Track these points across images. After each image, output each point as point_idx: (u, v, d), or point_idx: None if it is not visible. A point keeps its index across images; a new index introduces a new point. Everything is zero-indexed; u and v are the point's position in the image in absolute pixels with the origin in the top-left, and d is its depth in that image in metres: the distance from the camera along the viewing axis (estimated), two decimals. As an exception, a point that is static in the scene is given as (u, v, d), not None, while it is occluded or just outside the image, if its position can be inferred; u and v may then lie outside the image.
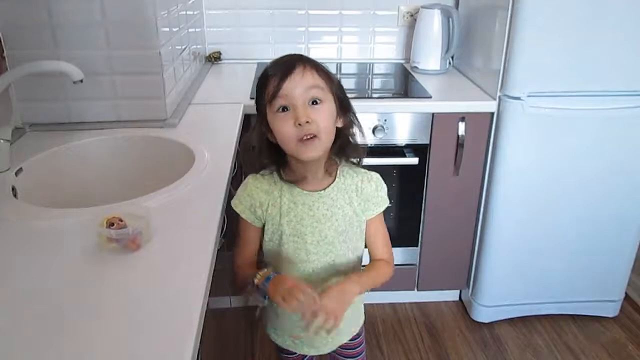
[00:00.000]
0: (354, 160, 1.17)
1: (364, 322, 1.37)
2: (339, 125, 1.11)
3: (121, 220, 0.95)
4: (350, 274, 1.16)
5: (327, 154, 1.12)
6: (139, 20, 1.46)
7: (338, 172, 1.16)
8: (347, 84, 2.28)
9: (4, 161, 1.23)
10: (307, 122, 1.02)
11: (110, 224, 0.94)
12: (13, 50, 1.43)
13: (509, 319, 2.20)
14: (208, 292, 0.87)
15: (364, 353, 1.42)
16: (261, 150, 1.12)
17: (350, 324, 1.30)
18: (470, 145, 1.94)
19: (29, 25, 1.42)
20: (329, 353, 1.35)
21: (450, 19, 2.15)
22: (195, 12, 2.11)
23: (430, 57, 2.20)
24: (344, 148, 1.14)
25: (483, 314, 2.18)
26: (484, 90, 1.98)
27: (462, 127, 1.91)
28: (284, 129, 1.04)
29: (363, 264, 1.27)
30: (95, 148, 1.45)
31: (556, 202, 1.96)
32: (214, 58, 2.34)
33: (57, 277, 0.88)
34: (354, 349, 1.38)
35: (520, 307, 2.18)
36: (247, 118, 1.82)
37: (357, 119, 1.15)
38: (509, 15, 1.76)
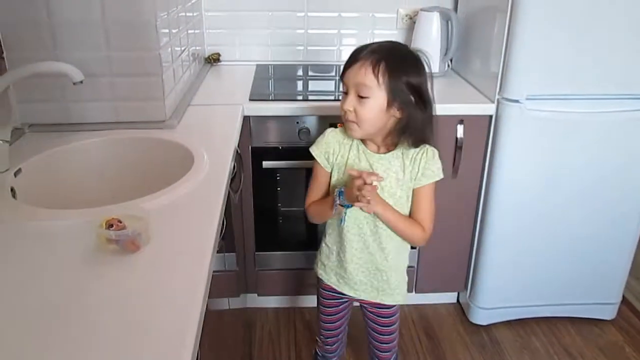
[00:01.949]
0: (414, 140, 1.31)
1: (399, 308, 1.52)
2: (397, 115, 1.26)
3: (120, 222, 0.95)
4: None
5: (381, 134, 1.30)
6: (139, 22, 1.46)
7: (399, 143, 1.32)
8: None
9: (3, 162, 1.23)
10: (349, 110, 1.24)
11: (110, 225, 0.94)
12: (12, 51, 1.43)
13: (506, 321, 2.20)
14: (207, 294, 0.87)
15: (395, 327, 1.54)
16: None
17: (392, 286, 1.44)
18: (469, 148, 1.95)
19: (28, 27, 1.42)
20: (363, 311, 1.54)
21: (449, 22, 2.15)
22: (194, 14, 2.11)
23: (428, 60, 2.20)
24: (404, 132, 1.28)
25: (481, 316, 2.18)
26: (483, 93, 1.99)
27: (460, 129, 1.91)
28: (340, 107, 1.28)
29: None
30: (95, 149, 1.45)
31: (554, 205, 1.97)
32: (213, 59, 2.34)
33: (56, 278, 0.88)
34: (385, 317, 1.51)
35: (518, 309, 2.19)
36: (246, 119, 1.83)
37: (424, 109, 1.27)
38: (507, 18, 1.77)
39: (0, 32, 1.41)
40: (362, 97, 1.23)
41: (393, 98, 1.23)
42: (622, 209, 2.00)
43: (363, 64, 1.22)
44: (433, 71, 2.14)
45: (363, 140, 1.34)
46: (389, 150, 1.33)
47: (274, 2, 2.31)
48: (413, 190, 1.35)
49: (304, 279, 2.15)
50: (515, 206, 1.97)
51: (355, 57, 1.24)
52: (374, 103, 1.23)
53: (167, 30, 1.59)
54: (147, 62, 1.51)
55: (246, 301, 2.22)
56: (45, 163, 1.34)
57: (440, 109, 1.87)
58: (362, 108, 1.23)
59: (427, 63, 1.30)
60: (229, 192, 1.26)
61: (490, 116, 1.91)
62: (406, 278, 1.49)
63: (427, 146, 1.33)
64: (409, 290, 2.20)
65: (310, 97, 2.02)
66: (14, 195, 1.16)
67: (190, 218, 1.07)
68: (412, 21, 2.34)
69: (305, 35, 2.37)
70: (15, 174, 1.23)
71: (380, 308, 1.49)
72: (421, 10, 2.21)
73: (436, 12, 2.16)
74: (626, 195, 1.97)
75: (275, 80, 2.24)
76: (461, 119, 1.90)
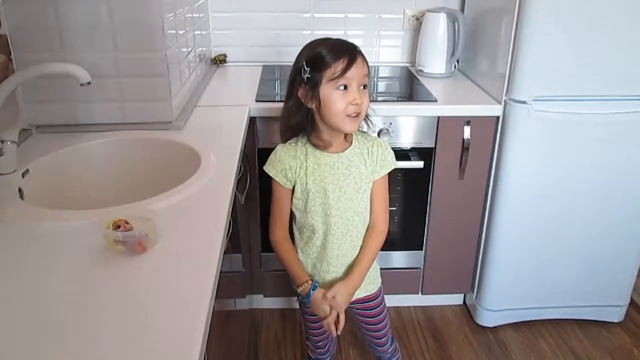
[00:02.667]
0: (365, 129, 1.42)
1: (381, 288, 1.54)
2: None
3: (127, 223, 0.95)
4: (353, 267, 1.40)
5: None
6: (146, 23, 1.46)
7: (353, 138, 1.38)
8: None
9: (11, 163, 1.23)
10: (360, 103, 1.26)
11: (117, 227, 0.94)
12: (20, 52, 1.44)
13: (513, 323, 2.19)
14: (214, 295, 0.87)
15: (384, 315, 1.55)
16: (298, 114, 1.33)
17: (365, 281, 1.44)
18: (476, 149, 1.94)
19: (36, 28, 1.43)
20: (348, 308, 1.49)
21: (456, 23, 2.15)
22: (201, 15, 2.12)
23: (435, 61, 2.20)
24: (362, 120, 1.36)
25: (487, 318, 2.18)
26: (490, 94, 1.98)
27: (467, 130, 1.90)
28: (339, 104, 1.26)
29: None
30: (102, 150, 1.45)
31: (561, 206, 1.96)
32: (220, 60, 2.35)
33: (63, 279, 0.88)
34: (372, 309, 1.53)
35: (525, 311, 2.18)
36: (252, 120, 1.83)
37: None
38: (515, 19, 1.76)
39: (9, 34, 1.42)
40: (364, 88, 1.28)
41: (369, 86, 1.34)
42: (630, 210, 1.98)
43: (362, 58, 1.28)
44: (440, 72, 2.19)
45: (315, 145, 1.34)
46: (344, 148, 1.36)
47: (280, 3, 2.31)
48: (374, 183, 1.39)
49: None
50: (522, 207, 1.96)
51: (353, 53, 1.27)
52: (368, 92, 1.31)
53: (173, 32, 1.60)
54: (153, 63, 1.51)
55: (252, 302, 2.22)
56: (52, 164, 1.34)
57: (447, 109, 1.90)
58: (366, 98, 1.28)
59: None
60: (235, 193, 1.26)
61: (497, 117, 1.90)
62: (377, 267, 1.52)
63: (377, 139, 1.42)
64: (415, 292, 2.22)
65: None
66: (21, 196, 1.17)
67: (197, 219, 1.07)
68: (418, 22, 2.33)
69: (312, 37, 2.32)
70: (23, 175, 1.24)
71: (362, 302, 1.50)
72: (428, 11, 2.21)
73: (443, 13, 2.15)
74: (634, 197, 1.96)
75: (282, 81, 2.24)
76: (468, 120, 1.89)
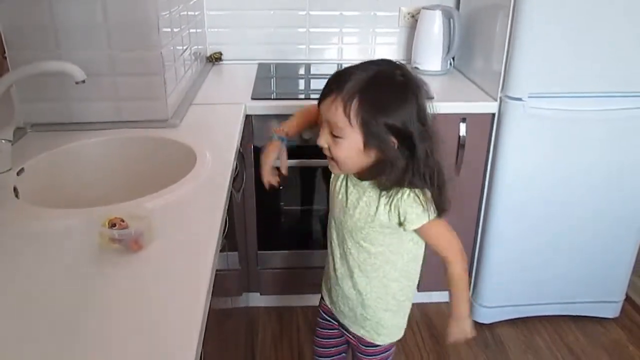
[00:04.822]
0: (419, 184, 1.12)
1: (386, 344, 1.38)
2: (375, 157, 1.09)
3: (123, 221, 0.95)
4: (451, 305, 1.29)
5: (365, 171, 1.14)
6: (141, 21, 1.46)
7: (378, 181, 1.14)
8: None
9: (6, 161, 1.23)
10: (324, 147, 1.12)
11: (112, 225, 0.94)
12: (14, 50, 1.43)
13: (510, 320, 2.20)
14: (210, 293, 0.87)
15: None
16: None
17: (372, 324, 1.32)
18: (472, 146, 1.94)
19: (31, 26, 1.42)
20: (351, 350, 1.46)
21: (451, 20, 2.15)
22: (196, 13, 2.11)
23: (431, 58, 2.20)
24: (379, 174, 1.10)
25: (484, 314, 2.18)
26: (485, 91, 1.98)
27: (463, 128, 1.91)
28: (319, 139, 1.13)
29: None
30: (97, 148, 1.45)
31: (557, 203, 1.96)
32: (215, 58, 2.34)
33: (59, 278, 0.88)
34: (370, 355, 1.40)
35: (522, 308, 2.18)
36: (248, 118, 1.83)
37: (410, 153, 1.08)
38: (510, 16, 1.76)
39: (3, 32, 1.42)
40: (335, 137, 1.08)
41: (368, 141, 1.06)
42: (625, 207, 1.99)
43: (334, 100, 1.05)
44: (436, 69, 2.19)
45: None
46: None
47: (276, 1, 2.31)
48: (418, 232, 1.20)
49: (305, 278, 2.15)
50: (518, 204, 1.96)
51: (329, 88, 1.07)
52: (348, 144, 1.07)
53: (168, 30, 1.59)
54: (149, 62, 1.51)
55: (248, 300, 2.22)
56: (47, 162, 1.34)
57: (443, 106, 1.90)
58: (336, 148, 1.09)
59: (421, 88, 1.09)
60: (231, 191, 1.26)
61: (493, 114, 1.91)
62: (393, 319, 1.33)
63: (407, 190, 1.11)
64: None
65: (312, 96, 2.02)
66: (16, 195, 1.16)
67: (193, 217, 1.07)
68: (414, 19, 2.33)
69: (307, 34, 2.37)
70: (18, 174, 1.23)
71: (364, 345, 1.38)
72: (423, 8, 2.21)
73: (438, 10, 2.15)
74: (630, 193, 1.97)
75: (277, 79, 2.24)
76: (464, 117, 1.90)
